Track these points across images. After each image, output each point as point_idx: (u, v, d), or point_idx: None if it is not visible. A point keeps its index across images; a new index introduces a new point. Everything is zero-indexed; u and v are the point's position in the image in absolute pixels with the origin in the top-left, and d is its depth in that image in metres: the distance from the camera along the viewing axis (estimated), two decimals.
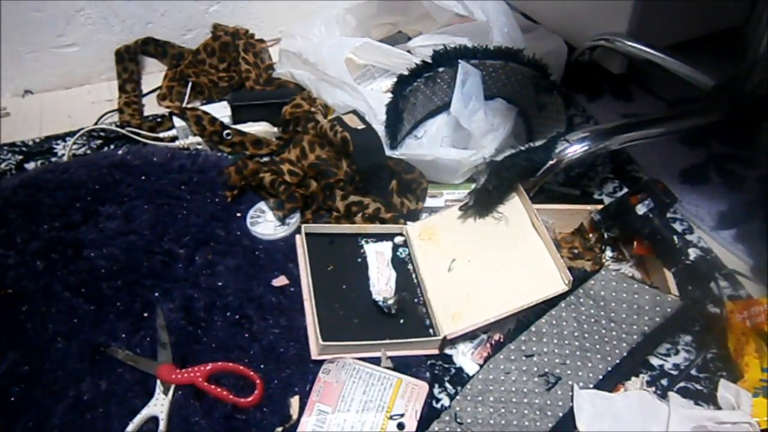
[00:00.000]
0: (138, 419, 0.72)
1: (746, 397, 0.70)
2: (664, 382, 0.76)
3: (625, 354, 0.75)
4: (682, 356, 0.79)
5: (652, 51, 1.08)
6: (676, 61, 1.04)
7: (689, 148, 1.06)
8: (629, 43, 1.08)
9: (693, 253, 0.81)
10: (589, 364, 0.74)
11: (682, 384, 0.76)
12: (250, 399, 0.73)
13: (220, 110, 1.12)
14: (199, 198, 1.00)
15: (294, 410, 0.73)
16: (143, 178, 1.03)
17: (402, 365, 0.77)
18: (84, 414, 0.73)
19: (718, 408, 0.72)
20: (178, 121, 1.11)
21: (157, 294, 0.86)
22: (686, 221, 0.96)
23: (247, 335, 0.81)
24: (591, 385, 0.72)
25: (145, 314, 0.84)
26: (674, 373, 0.77)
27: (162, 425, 0.71)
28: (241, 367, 0.76)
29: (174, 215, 0.97)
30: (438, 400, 0.76)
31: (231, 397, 0.73)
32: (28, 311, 0.84)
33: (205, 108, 1.12)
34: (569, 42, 1.19)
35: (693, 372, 0.77)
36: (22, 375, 0.77)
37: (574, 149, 0.91)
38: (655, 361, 0.79)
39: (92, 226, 0.95)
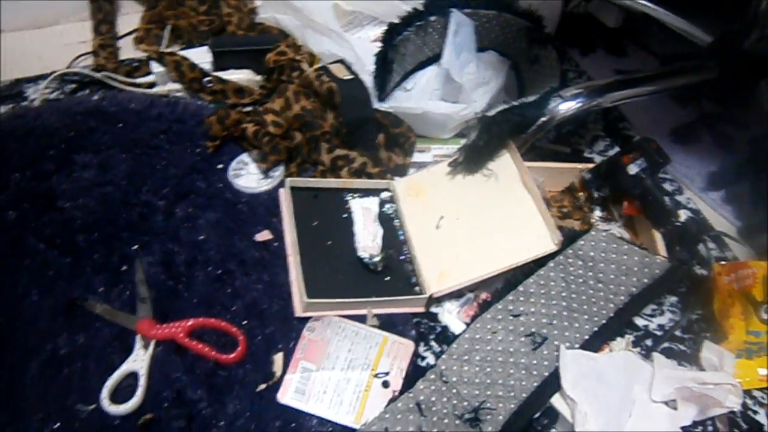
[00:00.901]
0: (117, 375, 0.70)
1: (729, 358, 0.71)
2: (649, 342, 0.77)
3: (611, 315, 0.75)
4: (667, 317, 0.80)
5: (649, 4, 1.04)
6: (672, 16, 1.00)
7: (681, 107, 1.05)
8: None
9: (683, 214, 0.80)
10: (576, 325, 0.73)
11: (666, 345, 0.76)
12: (232, 355, 0.72)
13: (201, 56, 1.07)
14: (179, 148, 0.96)
15: (278, 367, 0.72)
16: (120, 126, 0.98)
17: (388, 323, 0.76)
18: (61, 369, 0.71)
19: (702, 369, 0.72)
20: (156, 67, 1.06)
21: (135, 247, 0.84)
22: (676, 182, 0.95)
23: (229, 291, 0.80)
24: (577, 345, 0.72)
25: (124, 268, 0.81)
26: (659, 333, 0.78)
27: (142, 381, 0.70)
28: (224, 323, 0.75)
29: (152, 166, 0.93)
30: (423, 359, 0.75)
31: (213, 353, 0.72)
32: (0, 264, 0.81)
33: (184, 53, 1.07)
34: None
35: (677, 333, 0.77)
36: None
37: (567, 106, 0.88)
38: (640, 322, 0.79)
39: (66, 175, 0.91)
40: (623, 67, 1.15)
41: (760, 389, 0.73)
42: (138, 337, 0.74)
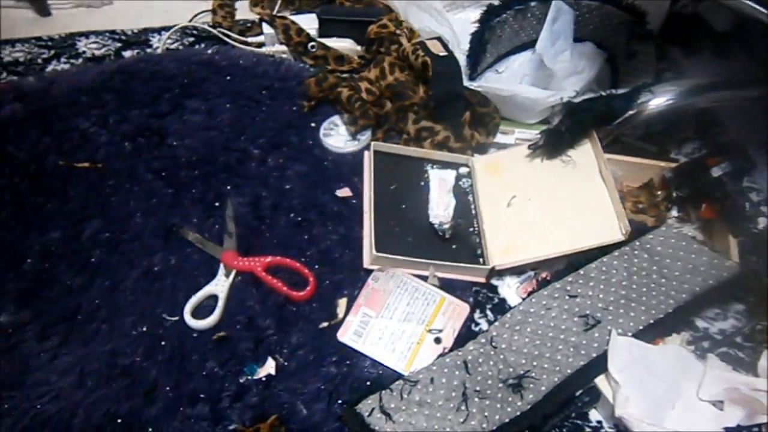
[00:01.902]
0: (200, 294, 0.79)
1: None
2: (706, 344, 0.76)
3: (670, 310, 0.75)
4: (730, 323, 0.79)
5: (764, 10, 1.01)
6: None
7: None
8: None
9: (762, 222, 0.79)
10: (632, 314, 0.74)
11: (723, 349, 0.76)
12: (302, 293, 0.78)
13: (308, 22, 1.14)
14: (278, 104, 1.03)
15: (341, 310, 0.78)
16: (228, 78, 1.07)
17: (448, 286, 0.80)
18: (154, 283, 0.81)
19: (756, 377, 0.71)
20: (266, 28, 1.13)
21: (229, 187, 0.92)
22: (763, 192, 0.92)
23: (306, 237, 0.86)
24: (629, 334, 0.73)
25: (217, 204, 0.90)
26: (718, 337, 0.77)
27: (220, 303, 0.78)
28: (298, 264, 0.81)
29: (252, 117, 1.01)
30: (477, 324, 0.79)
31: (285, 289, 0.79)
32: (114, 186, 0.91)
33: (293, 18, 1.14)
34: None
35: (738, 339, 0.77)
36: (103, 241, 0.85)
37: (657, 102, 0.88)
38: (700, 323, 0.78)
39: (177, 117, 1.01)
40: (727, 72, 1.11)
41: None
42: (222, 266, 0.82)
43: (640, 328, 0.74)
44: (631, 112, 0.89)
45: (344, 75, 1.11)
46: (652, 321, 0.74)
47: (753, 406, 0.67)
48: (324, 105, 1.03)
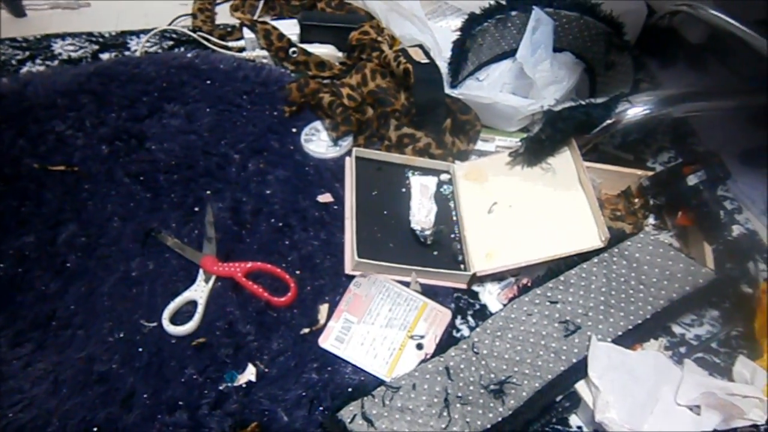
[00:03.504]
0: (179, 300, 0.77)
1: (761, 375, 0.71)
2: (683, 349, 0.78)
3: (648, 316, 0.76)
4: (706, 329, 0.80)
5: (737, 24, 1.04)
6: (761, 38, 0.99)
7: (754, 128, 1.03)
8: (714, 12, 1.04)
9: (737, 230, 0.80)
10: (611, 320, 0.75)
11: (699, 354, 0.77)
12: (283, 299, 0.78)
13: (290, 27, 1.14)
14: (259, 109, 1.03)
15: (322, 316, 0.77)
16: (208, 82, 1.06)
17: (430, 292, 0.80)
18: (131, 288, 0.79)
19: (732, 382, 0.73)
20: (247, 33, 1.13)
21: (208, 192, 0.91)
22: (737, 201, 0.95)
23: (287, 242, 0.86)
24: (609, 339, 0.74)
25: (196, 209, 0.89)
26: (694, 343, 0.79)
27: (200, 309, 0.77)
28: (279, 270, 0.81)
29: (233, 122, 1.01)
30: (458, 330, 0.79)
31: (266, 294, 0.78)
32: (91, 190, 0.90)
33: (275, 23, 1.14)
34: (650, 4, 1.15)
35: (713, 345, 0.78)
36: (79, 245, 0.83)
37: (635, 111, 0.89)
38: (677, 329, 0.80)
39: (156, 120, 1.00)
40: (702, 84, 1.14)
41: None
42: (201, 271, 0.81)
43: (619, 333, 0.74)
44: (609, 121, 0.90)
45: (325, 81, 1.11)
46: (630, 327, 0.75)
47: (729, 410, 0.68)
48: (305, 110, 1.03)
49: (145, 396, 0.70)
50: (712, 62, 1.18)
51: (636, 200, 0.91)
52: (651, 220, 0.90)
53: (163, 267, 0.82)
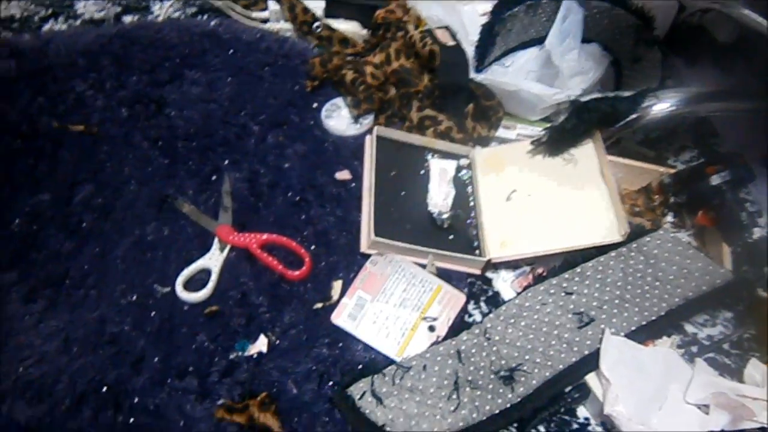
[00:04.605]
0: (193, 267, 0.77)
1: None
2: (694, 349, 0.77)
3: (662, 313, 0.75)
4: (719, 329, 0.80)
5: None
6: None
7: None
8: (746, 12, 1.02)
9: (758, 232, 0.80)
10: (625, 314, 0.75)
11: (711, 354, 0.77)
12: (297, 273, 0.78)
13: (315, 1, 1.12)
14: (280, 82, 1.02)
15: (335, 292, 0.77)
16: (230, 52, 1.05)
17: (444, 275, 0.80)
18: (146, 252, 0.79)
19: (742, 383, 0.72)
20: (272, 4, 1.11)
21: (226, 162, 0.90)
22: (757, 204, 0.94)
23: (303, 217, 0.85)
24: (622, 334, 0.73)
25: (213, 178, 0.88)
26: (706, 343, 0.78)
27: (213, 277, 0.77)
28: (294, 244, 0.80)
29: (254, 93, 1.00)
30: (470, 315, 0.79)
31: (280, 267, 0.78)
32: (108, 152, 0.89)
33: None
34: (681, 0, 1.13)
35: (725, 346, 0.78)
36: (95, 207, 0.83)
37: (661, 107, 0.88)
38: (689, 328, 0.79)
39: (176, 87, 0.99)
40: (726, 84, 1.12)
41: None
42: (216, 240, 0.81)
43: (633, 328, 0.74)
44: (634, 116, 0.89)
45: (348, 58, 1.10)
46: (644, 322, 0.75)
47: (738, 411, 0.68)
48: (327, 86, 1.02)
49: (155, 360, 0.70)
50: (739, 63, 1.16)
51: (656, 197, 0.90)
52: (669, 218, 0.90)
53: (178, 233, 0.82)
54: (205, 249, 0.80)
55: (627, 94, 0.90)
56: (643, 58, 1.01)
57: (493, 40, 0.98)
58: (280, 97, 1.00)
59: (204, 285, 0.76)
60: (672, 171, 0.90)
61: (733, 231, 0.81)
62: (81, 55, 1.00)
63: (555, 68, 0.97)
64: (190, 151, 0.91)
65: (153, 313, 0.74)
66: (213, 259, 0.78)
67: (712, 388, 0.69)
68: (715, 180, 0.82)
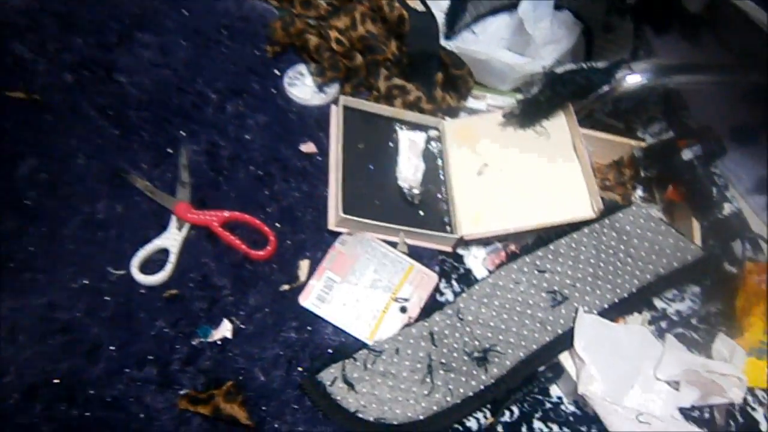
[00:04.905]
0: (150, 247, 0.73)
1: (740, 353, 0.72)
2: (664, 324, 0.78)
3: (634, 290, 0.75)
4: (687, 304, 0.80)
5: None
6: (762, 10, 0.96)
7: (746, 105, 1.02)
8: None
9: (728, 208, 0.80)
10: (598, 292, 0.74)
11: (680, 330, 0.77)
12: (262, 252, 0.74)
13: None
14: (239, 46, 0.96)
15: (303, 273, 0.74)
16: (185, 12, 0.98)
17: (414, 254, 0.77)
18: (97, 232, 0.74)
19: (711, 359, 0.73)
20: None
21: (183, 133, 0.84)
22: (723, 178, 0.94)
23: (267, 192, 0.81)
24: (595, 311, 0.73)
25: (169, 150, 0.83)
26: (675, 318, 0.78)
27: (172, 258, 0.72)
28: (258, 221, 0.76)
29: (211, 58, 0.93)
30: (442, 294, 0.77)
31: (243, 246, 0.74)
32: (53, 122, 0.82)
33: None
34: None
35: (693, 321, 0.78)
36: (39, 182, 0.77)
37: (634, 79, 0.86)
38: (659, 303, 0.80)
39: (126, 50, 0.91)
40: (694, 56, 1.11)
41: (764, 389, 0.74)
42: (174, 218, 0.76)
43: (605, 306, 0.74)
44: (607, 87, 0.87)
45: (311, 21, 1.04)
46: (617, 300, 0.74)
47: (709, 388, 0.69)
48: (289, 52, 0.96)
49: (111, 348, 0.66)
50: (706, 33, 1.15)
51: (627, 170, 0.89)
52: (639, 192, 0.89)
53: (133, 211, 0.76)
54: (162, 228, 0.75)
55: (601, 65, 0.88)
56: (615, 26, 0.99)
57: (464, 5, 0.94)
58: (239, 62, 0.94)
59: (162, 267, 0.71)
60: (643, 144, 0.89)
61: (703, 206, 0.81)
62: (19, 13, 0.91)
63: (527, 36, 0.94)
64: (143, 122, 0.85)
65: (107, 298, 0.69)
66: (171, 239, 0.74)
67: (683, 365, 0.70)
68: (687, 154, 0.82)
